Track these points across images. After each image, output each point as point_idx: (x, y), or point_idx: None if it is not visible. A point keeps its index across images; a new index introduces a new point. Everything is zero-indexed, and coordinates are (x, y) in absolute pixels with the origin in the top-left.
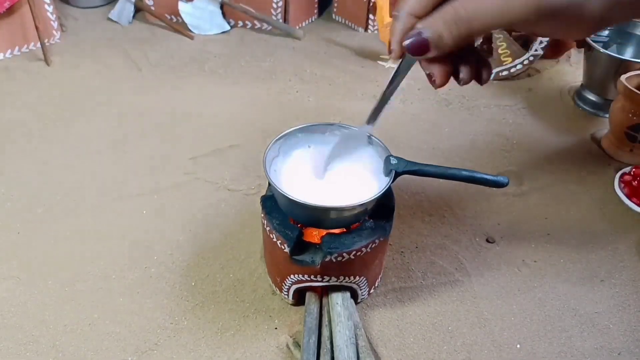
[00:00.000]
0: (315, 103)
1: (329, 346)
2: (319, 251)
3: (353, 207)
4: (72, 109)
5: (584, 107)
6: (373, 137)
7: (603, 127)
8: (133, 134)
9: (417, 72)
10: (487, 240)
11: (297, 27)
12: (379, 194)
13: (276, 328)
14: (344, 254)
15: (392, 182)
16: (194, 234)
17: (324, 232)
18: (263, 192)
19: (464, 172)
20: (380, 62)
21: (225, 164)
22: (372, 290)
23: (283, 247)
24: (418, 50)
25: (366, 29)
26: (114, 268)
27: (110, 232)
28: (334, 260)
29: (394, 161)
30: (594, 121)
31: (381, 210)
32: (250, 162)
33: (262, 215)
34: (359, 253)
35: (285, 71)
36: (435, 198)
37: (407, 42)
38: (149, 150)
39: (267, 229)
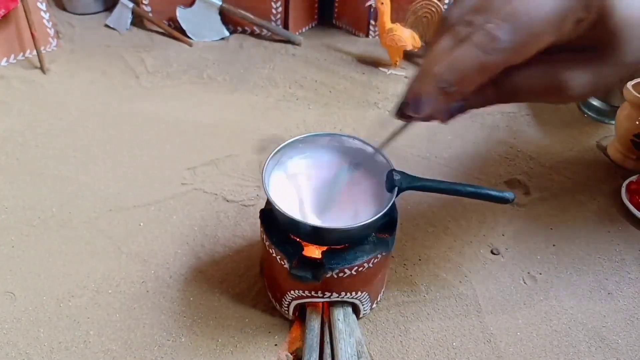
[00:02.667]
0: (315, 111)
1: None
2: (319, 267)
3: (355, 228)
4: (69, 118)
5: (589, 113)
6: (375, 150)
7: (609, 134)
8: (130, 143)
9: None
10: (492, 252)
11: (297, 33)
12: (382, 213)
13: (276, 345)
14: (346, 270)
15: (395, 198)
16: (191, 246)
17: (324, 246)
18: (262, 203)
19: (469, 188)
20: (381, 69)
21: (223, 174)
22: (374, 305)
23: (283, 263)
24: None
25: (367, 34)
26: (110, 283)
27: (106, 245)
28: (335, 276)
29: (397, 177)
30: (599, 128)
31: (384, 223)
32: (248, 172)
33: (261, 229)
34: (361, 269)
35: (285, 78)
36: (438, 208)
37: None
38: (146, 160)
39: (266, 243)
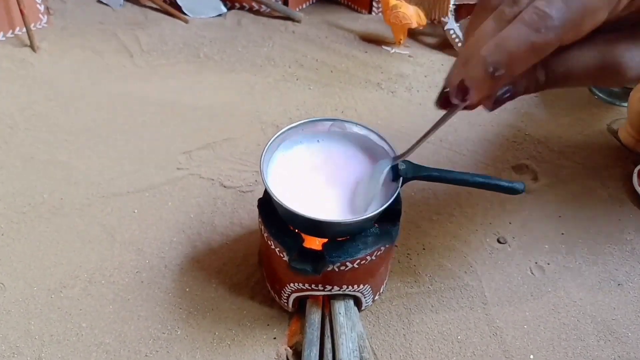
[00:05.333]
0: (316, 91)
1: (331, 359)
2: (320, 259)
3: (358, 221)
4: (60, 99)
5: (600, 94)
6: (379, 137)
7: (620, 117)
8: (123, 125)
9: (421, 57)
10: (498, 241)
11: (298, 10)
12: (386, 205)
13: (275, 338)
14: (347, 263)
15: (400, 188)
16: (187, 235)
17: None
18: (260, 189)
19: (477, 178)
20: (385, 47)
21: (220, 158)
22: (376, 297)
23: (282, 255)
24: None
25: (370, 11)
26: (103, 273)
27: (99, 233)
28: (337, 270)
29: (402, 166)
30: (610, 110)
31: (387, 214)
32: (247, 156)
33: (259, 220)
34: (364, 261)
35: (285, 57)
36: (443, 195)
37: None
38: (140, 144)
39: (265, 235)
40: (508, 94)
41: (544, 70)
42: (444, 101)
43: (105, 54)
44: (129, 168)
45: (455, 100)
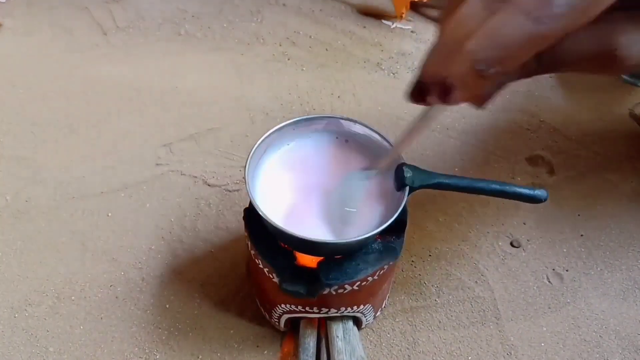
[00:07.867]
0: (310, 73)
1: None
2: (315, 280)
3: (359, 241)
4: (25, 84)
5: (622, 75)
6: (381, 136)
7: None
8: (96, 115)
9: (425, 32)
10: (512, 244)
11: None
12: (390, 222)
13: None
14: (346, 286)
15: (406, 198)
16: (167, 242)
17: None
18: None
19: (494, 186)
20: (385, 22)
21: (204, 151)
22: (378, 313)
23: (271, 276)
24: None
25: None
26: (74, 287)
27: (68, 240)
28: (334, 292)
29: (408, 173)
30: (633, 92)
31: (391, 226)
32: (233, 149)
33: (246, 234)
34: (364, 282)
35: (275, 34)
36: (450, 192)
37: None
38: (114, 136)
39: (252, 252)
40: (497, 88)
41: (537, 57)
42: (418, 94)
43: (76, 32)
44: (102, 164)
45: (434, 100)
